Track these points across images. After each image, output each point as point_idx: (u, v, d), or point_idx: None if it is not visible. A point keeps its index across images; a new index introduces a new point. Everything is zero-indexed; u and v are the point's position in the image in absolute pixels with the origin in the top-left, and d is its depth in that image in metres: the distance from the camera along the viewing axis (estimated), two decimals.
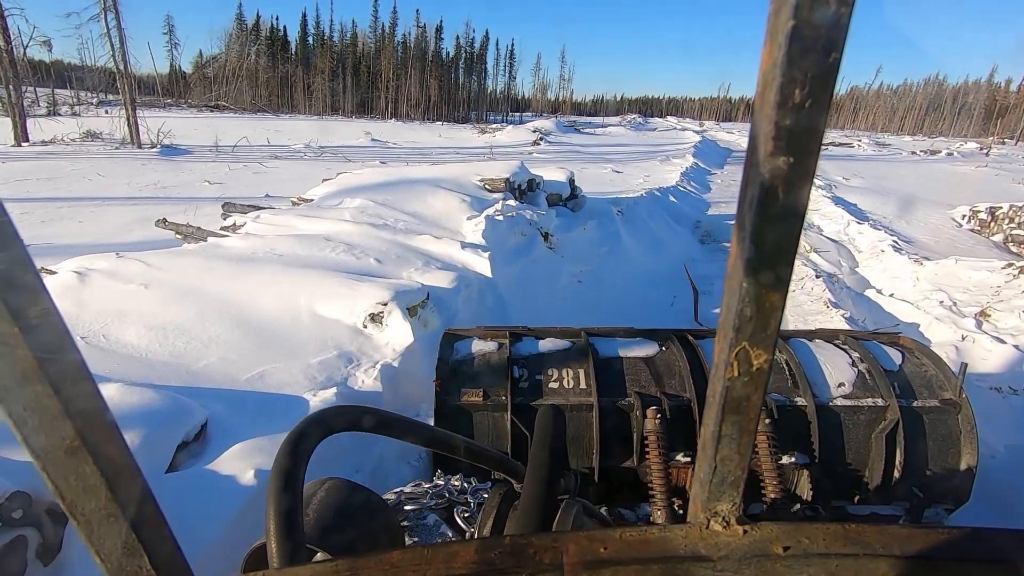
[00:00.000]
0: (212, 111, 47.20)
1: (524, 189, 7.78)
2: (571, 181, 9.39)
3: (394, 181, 7.33)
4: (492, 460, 0.85)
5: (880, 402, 2.32)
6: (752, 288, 0.33)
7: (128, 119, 17.14)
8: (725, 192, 15.67)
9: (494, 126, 33.73)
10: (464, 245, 5.13)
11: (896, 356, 2.57)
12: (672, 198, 12.48)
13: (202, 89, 58.79)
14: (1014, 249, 8.78)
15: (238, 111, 49.79)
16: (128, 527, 0.34)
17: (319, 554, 0.61)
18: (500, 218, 5.89)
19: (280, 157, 17.08)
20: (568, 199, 9.37)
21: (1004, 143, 54.11)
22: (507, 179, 7.26)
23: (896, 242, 8.11)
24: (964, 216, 10.48)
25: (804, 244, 8.51)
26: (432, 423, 2.24)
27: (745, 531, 0.41)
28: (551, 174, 9.23)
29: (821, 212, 11.05)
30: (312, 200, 7.08)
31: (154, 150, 16.66)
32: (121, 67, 17.15)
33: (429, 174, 7.62)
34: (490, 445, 1.79)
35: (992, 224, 9.52)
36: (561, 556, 0.40)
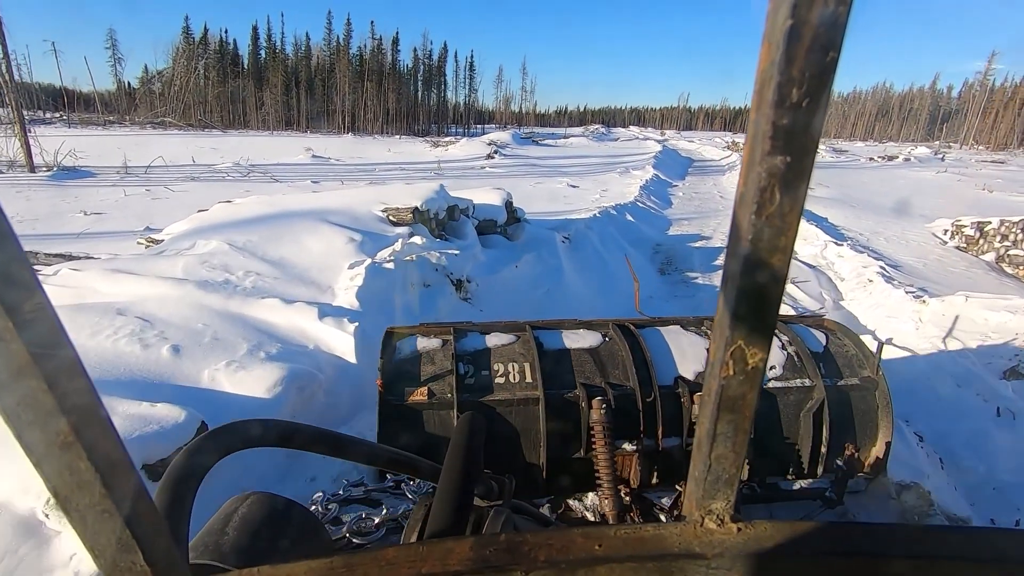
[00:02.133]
0: (155, 128, 44.69)
1: (443, 219, 6.32)
2: (508, 204, 7.98)
3: (272, 215, 5.78)
4: (424, 471, 0.82)
5: (807, 382, 2.39)
6: (748, 286, 0.32)
7: (19, 138, 15.04)
8: (687, 207, 14.53)
9: (448, 139, 32.20)
10: (323, 313, 3.63)
11: (821, 337, 2.66)
12: (630, 216, 11.22)
13: (149, 105, 56.17)
14: (1009, 271, 7.76)
15: (184, 128, 47.31)
16: (122, 523, 0.34)
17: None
18: (390, 266, 4.40)
19: (197, 179, 15.25)
20: (506, 225, 7.97)
21: (950, 147, 55.70)
22: (416, 208, 5.79)
23: (883, 268, 6.95)
24: (946, 231, 9.50)
25: None
26: (376, 425, 2.15)
27: (740, 529, 0.41)
28: (483, 196, 7.81)
29: None
30: (163, 240, 5.48)
31: (47, 173, 14.62)
32: (6, 78, 15.03)
33: (320, 204, 6.09)
34: (438, 444, 1.91)
35: (981, 241, 8.51)
36: (556, 553, 0.40)
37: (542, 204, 12.47)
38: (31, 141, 15.18)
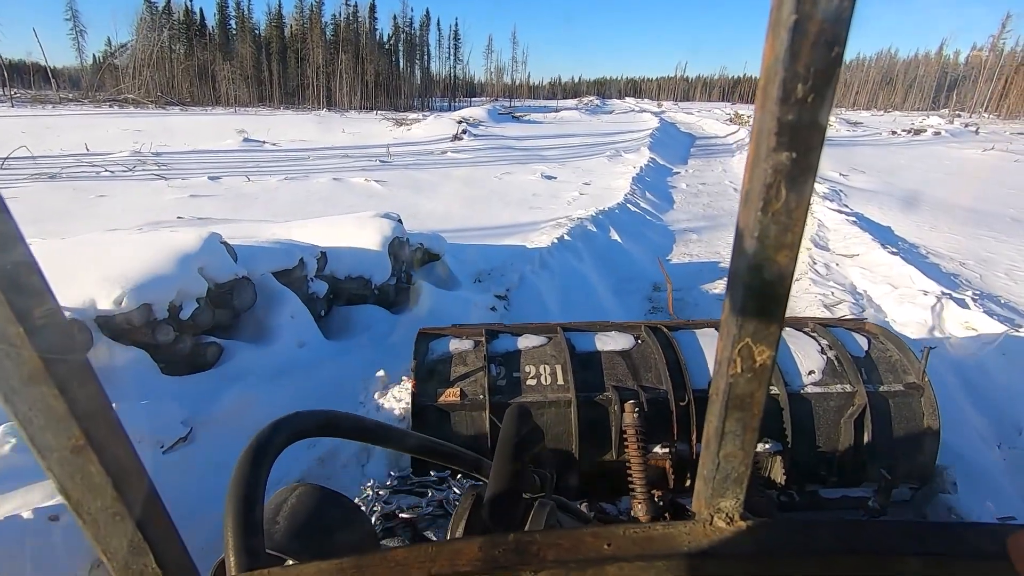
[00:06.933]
0: (112, 107, 40.62)
1: (198, 316, 2.99)
2: (398, 245, 4.63)
3: None
4: (466, 462, 0.85)
5: (848, 388, 2.35)
6: (755, 283, 0.33)
7: None
8: (694, 206, 11.09)
9: (412, 116, 28.35)
10: None
11: (863, 342, 2.58)
12: (614, 234, 7.88)
13: (115, 81, 51.83)
14: None
15: (144, 106, 43.20)
16: (134, 526, 0.34)
17: (289, 560, 0.57)
18: None
19: (57, 177, 11.73)
20: (393, 280, 4.64)
21: (959, 115, 52.03)
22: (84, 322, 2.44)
23: None
24: None
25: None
26: (410, 424, 2.19)
27: (749, 527, 0.41)
28: (350, 234, 4.44)
29: (863, 264, 6.55)
30: None
31: None
32: None
33: None
34: (469, 445, 1.64)
35: None
36: (565, 552, 0.40)
37: (496, 210, 9.12)
38: None
